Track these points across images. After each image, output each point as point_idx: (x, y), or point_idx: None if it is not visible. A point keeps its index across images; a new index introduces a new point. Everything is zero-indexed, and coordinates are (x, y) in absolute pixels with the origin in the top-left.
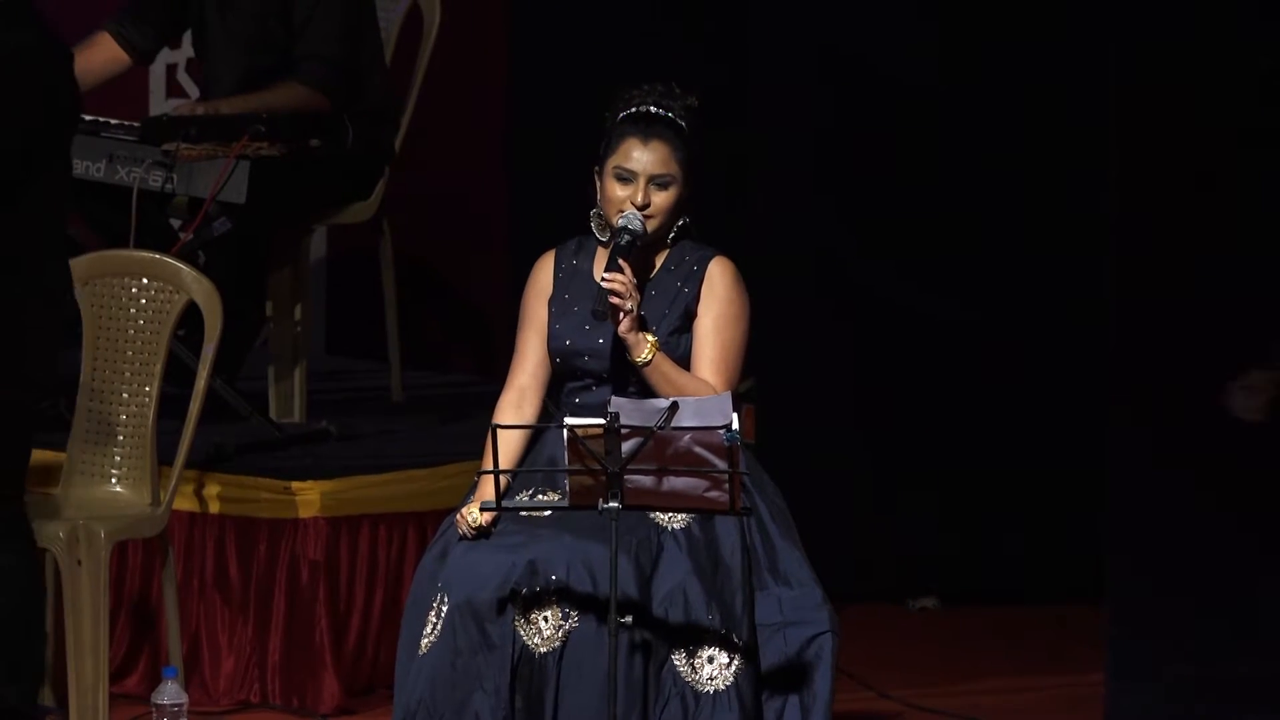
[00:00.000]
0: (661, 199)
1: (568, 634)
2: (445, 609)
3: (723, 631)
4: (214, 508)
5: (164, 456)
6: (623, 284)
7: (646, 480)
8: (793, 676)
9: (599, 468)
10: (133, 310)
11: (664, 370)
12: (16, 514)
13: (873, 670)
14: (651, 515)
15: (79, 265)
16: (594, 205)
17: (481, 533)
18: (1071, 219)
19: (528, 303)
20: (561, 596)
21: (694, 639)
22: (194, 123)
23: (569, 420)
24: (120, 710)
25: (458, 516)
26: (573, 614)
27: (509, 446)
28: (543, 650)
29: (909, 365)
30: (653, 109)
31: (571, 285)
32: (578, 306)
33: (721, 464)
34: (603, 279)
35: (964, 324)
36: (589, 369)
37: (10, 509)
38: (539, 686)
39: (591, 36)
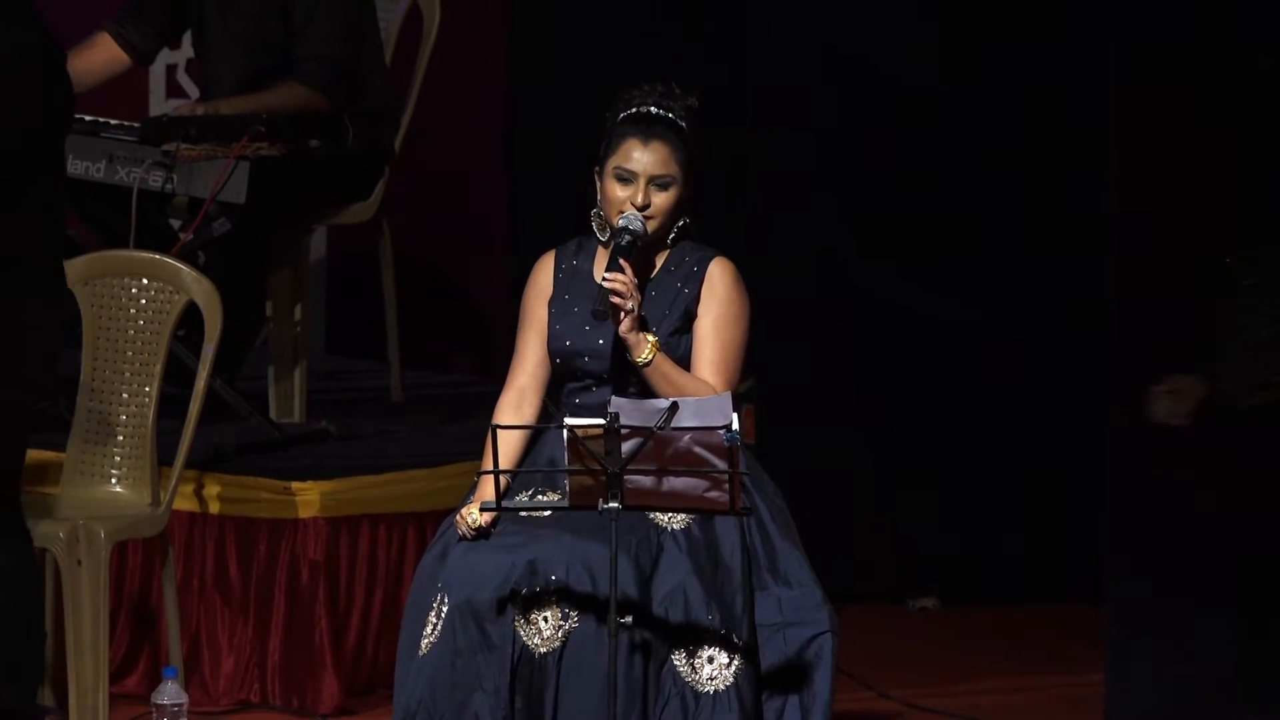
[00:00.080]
0: (662, 200)
1: (568, 634)
2: (445, 609)
3: (723, 632)
4: (214, 508)
5: (164, 456)
6: (623, 284)
7: (646, 480)
8: (793, 677)
9: (599, 468)
10: (133, 310)
11: (664, 371)
12: (14, 513)
13: (873, 670)
14: (651, 515)
15: (79, 265)
16: (594, 205)
17: (481, 533)
18: (1071, 219)
19: (527, 303)
20: (561, 597)
21: (694, 639)
22: (194, 123)
23: (569, 420)
24: (120, 710)
25: (457, 517)
26: (572, 614)
27: (509, 447)
28: (543, 650)
29: (909, 365)
30: (653, 109)
31: (572, 285)
32: (578, 307)
33: (721, 464)
34: (603, 279)
35: (964, 324)
36: (589, 369)
37: (8, 508)
38: (539, 687)
39: (591, 37)
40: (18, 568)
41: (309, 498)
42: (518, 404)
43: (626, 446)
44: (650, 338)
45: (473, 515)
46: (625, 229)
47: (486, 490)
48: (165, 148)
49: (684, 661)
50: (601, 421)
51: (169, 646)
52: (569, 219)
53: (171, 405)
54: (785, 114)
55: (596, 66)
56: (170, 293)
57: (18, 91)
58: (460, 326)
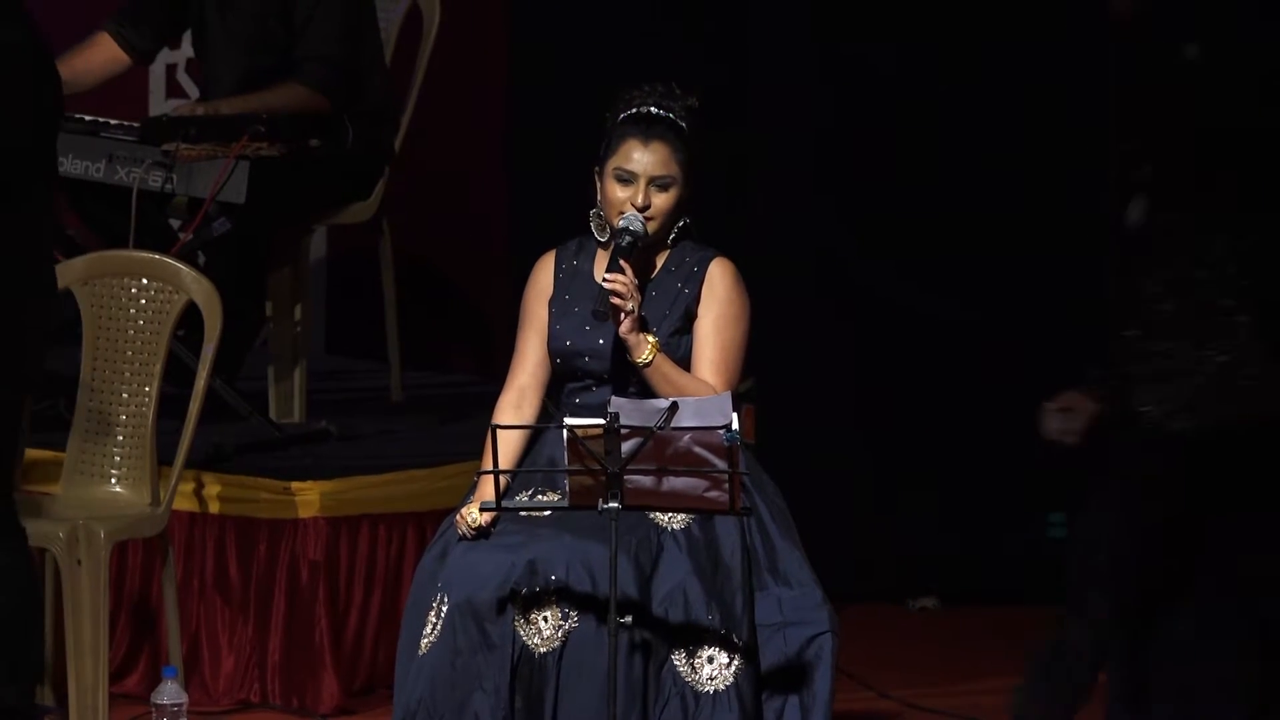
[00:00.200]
0: (662, 200)
1: (568, 634)
2: (445, 609)
3: (722, 631)
4: (214, 508)
5: (164, 456)
6: (624, 285)
7: (646, 480)
8: (793, 676)
9: (599, 468)
10: (133, 310)
11: (664, 371)
12: (9, 512)
13: (873, 670)
14: (651, 515)
15: (79, 265)
16: (594, 206)
17: (481, 533)
18: (1071, 219)
19: (528, 303)
20: (561, 596)
21: (694, 639)
22: (194, 123)
23: (569, 420)
24: (120, 710)
25: (457, 517)
26: (572, 614)
27: (508, 447)
28: (542, 650)
29: (909, 365)
30: (653, 110)
31: (572, 286)
32: (578, 307)
33: (721, 464)
34: (604, 280)
35: (964, 324)
36: (589, 369)
37: (3, 507)
38: (539, 686)
39: (591, 37)
40: (14, 567)
41: (309, 498)
42: (518, 404)
43: (626, 446)
44: (650, 338)
45: (472, 515)
46: (626, 230)
47: (486, 490)
48: (165, 147)
49: (684, 661)
50: (601, 421)
51: (169, 646)
52: (569, 219)
53: (171, 405)
54: (785, 114)
55: (596, 66)
56: (170, 292)
57: (6, 90)
58: (460, 326)
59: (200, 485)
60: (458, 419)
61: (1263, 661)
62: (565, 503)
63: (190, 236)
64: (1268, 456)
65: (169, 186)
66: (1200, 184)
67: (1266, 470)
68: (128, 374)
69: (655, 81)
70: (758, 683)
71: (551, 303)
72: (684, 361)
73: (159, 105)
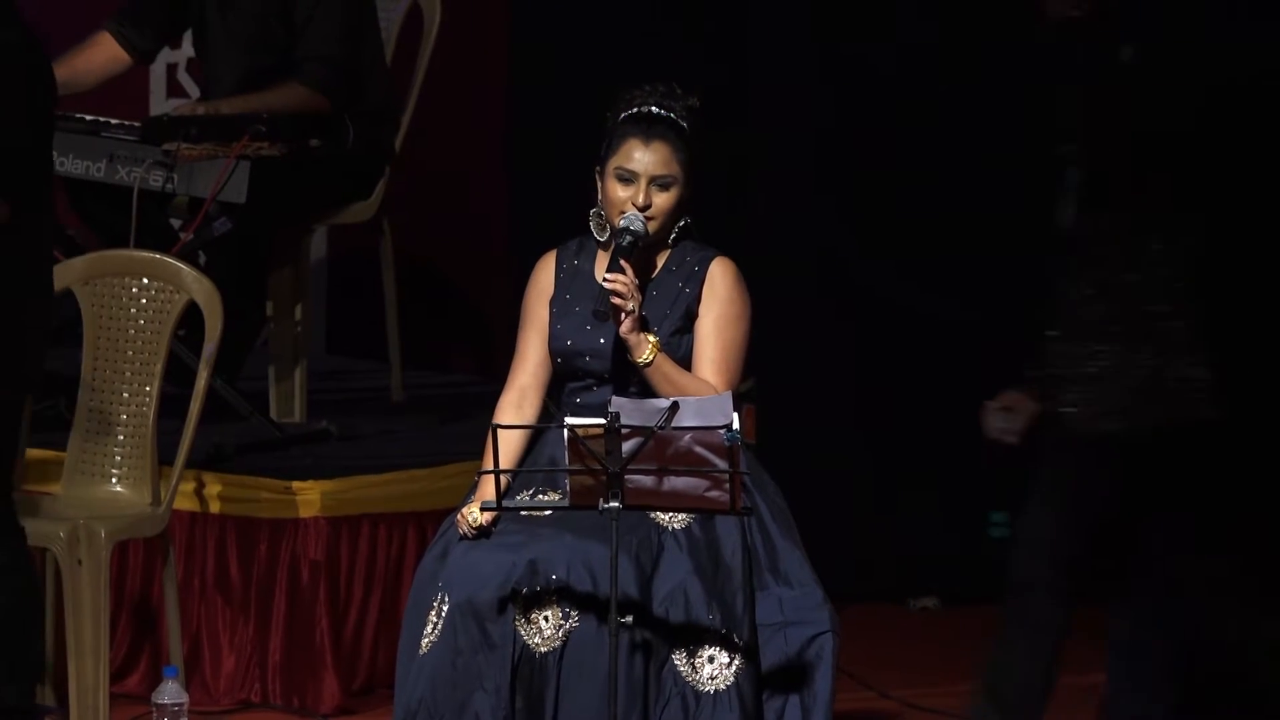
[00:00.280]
0: (663, 200)
1: (568, 634)
2: (446, 609)
3: (723, 631)
4: (214, 507)
5: (165, 456)
6: (624, 284)
7: (647, 480)
8: (793, 676)
9: (599, 467)
10: (133, 310)
11: (665, 371)
12: (10, 512)
13: (873, 670)
14: (652, 515)
15: (79, 265)
16: (594, 205)
17: (482, 532)
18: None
19: (528, 303)
20: (562, 596)
21: (694, 639)
22: (194, 123)
23: (569, 420)
24: (121, 710)
25: (458, 516)
26: (573, 614)
27: (509, 446)
28: (543, 650)
29: (909, 365)
30: (654, 110)
31: (573, 286)
32: (579, 307)
33: (722, 464)
34: (604, 279)
35: (964, 324)
36: (590, 369)
37: (2, 506)
38: (539, 686)
39: (592, 36)
40: (14, 566)
41: (309, 497)
42: (518, 403)
43: (627, 446)
44: (651, 338)
45: (473, 515)
46: (626, 229)
47: (487, 490)
48: (166, 147)
49: (684, 661)
50: (602, 421)
51: (169, 646)
52: (569, 219)
53: (172, 405)
54: (786, 114)
55: (597, 66)
56: (171, 292)
57: (4, 91)
58: (461, 326)
59: (201, 485)
60: (458, 419)
61: (1189, 661)
62: (566, 502)
63: (191, 236)
64: (1197, 458)
65: (170, 186)
66: (1134, 187)
67: (1195, 472)
68: (128, 374)
69: (656, 81)
70: (758, 683)
71: (552, 303)
72: (684, 361)
73: (160, 105)
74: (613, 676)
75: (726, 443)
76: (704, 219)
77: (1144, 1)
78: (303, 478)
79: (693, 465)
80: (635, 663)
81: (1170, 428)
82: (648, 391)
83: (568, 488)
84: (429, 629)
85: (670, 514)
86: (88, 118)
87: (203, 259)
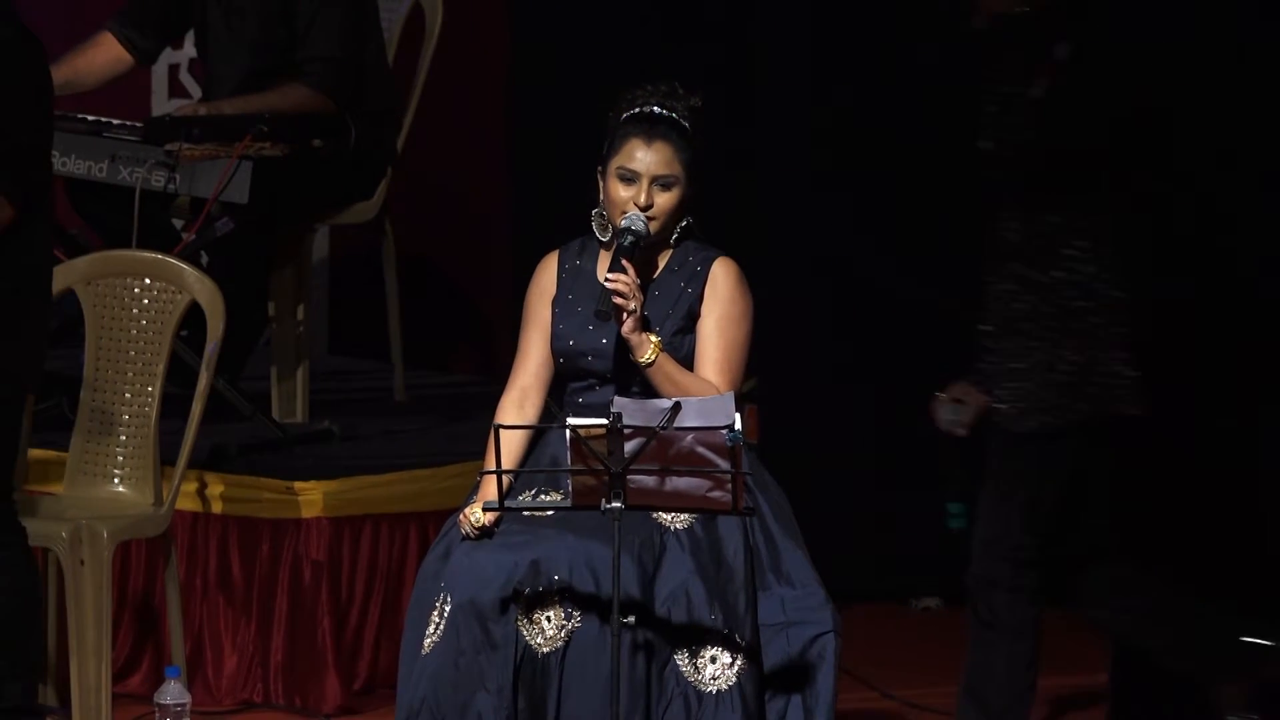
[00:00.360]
0: (665, 200)
1: (570, 634)
2: (448, 609)
3: (725, 631)
4: (217, 507)
5: (167, 456)
6: (626, 284)
7: (649, 480)
8: (795, 676)
9: (602, 468)
10: (135, 310)
11: (667, 370)
12: (10, 511)
13: (875, 670)
14: (654, 515)
15: (82, 265)
16: (596, 206)
17: (485, 532)
18: None
19: (530, 303)
20: (564, 596)
21: (697, 639)
22: (196, 123)
23: (572, 420)
24: (123, 710)
25: (460, 517)
26: (575, 614)
27: (511, 446)
28: (545, 650)
29: (912, 365)
30: (656, 109)
31: (575, 286)
32: (581, 307)
33: (724, 464)
34: (606, 279)
35: (966, 323)
36: (592, 369)
37: (4, 505)
38: (542, 686)
39: (593, 36)
40: (13, 562)
41: (312, 498)
42: (520, 403)
43: (629, 446)
44: (653, 338)
45: (475, 515)
46: (628, 229)
47: (489, 490)
48: (168, 147)
49: (687, 661)
50: (604, 422)
51: (172, 646)
52: (571, 219)
53: (174, 405)
54: (787, 113)
55: (599, 66)
56: (173, 293)
57: (25, 86)
58: (463, 326)
59: (203, 485)
60: (460, 419)
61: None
62: (568, 502)
63: (193, 236)
64: (1119, 454)
65: (172, 186)
66: (1059, 186)
67: (1117, 467)
68: (131, 374)
69: (658, 81)
70: (760, 683)
71: (554, 303)
72: (686, 361)
73: (162, 105)
74: (615, 677)
75: (729, 443)
76: (706, 219)
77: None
78: (305, 478)
79: (695, 465)
80: (637, 663)
81: (1092, 424)
82: (650, 392)
83: (570, 488)
84: (431, 629)
85: (672, 514)
86: (90, 118)
87: (205, 259)
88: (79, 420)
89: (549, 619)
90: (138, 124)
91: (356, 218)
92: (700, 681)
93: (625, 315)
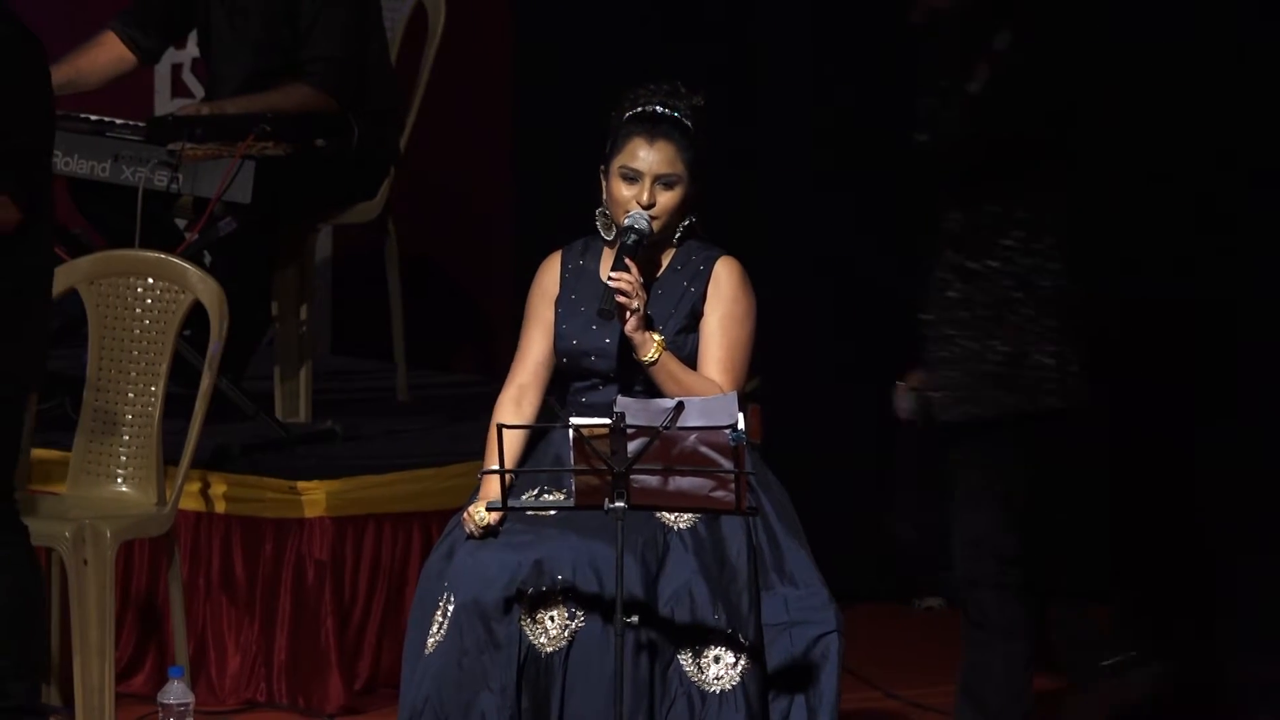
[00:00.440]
0: (667, 198)
1: (574, 634)
2: (451, 608)
3: (729, 631)
4: (220, 507)
5: (170, 456)
6: (629, 283)
7: (652, 480)
8: (799, 676)
9: (605, 468)
10: (138, 310)
11: (671, 369)
12: (11, 510)
13: (879, 670)
14: (658, 514)
15: (85, 265)
16: (600, 205)
17: (489, 531)
18: (1074, 218)
19: (532, 302)
20: (568, 596)
21: (700, 639)
22: (199, 123)
23: (575, 420)
24: (126, 710)
25: (464, 516)
26: (579, 614)
27: (510, 443)
28: (549, 650)
29: (913, 364)
30: (659, 109)
31: (578, 286)
32: (584, 307)
33: (727, 464)
34: (609, 278)
35: None
36: (595, 369)
37: (3, 504)
38: (545, 686)
39: (596, 36)
40: (15, 562)
41: (315, 497)
42: (518, 399)
43: (632, 446)
44: (656, 337)
45: (480, 514)
46: (631, 228)
47: (491, 489)
48: (171, 147)
49: (690, 661)
50: (607, 421)
51: (175, 646)
52: (575, 219)
53: (177, 405)
54: (789, 112)
55: (601, 66)
56: (176, 292)
57: (31, 83)
58: (466, 326)
59: (206, 485)
60: (463, 419)
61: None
62: (571, 502)
63: (196, 236)
64: (1046, 447)
65: (175, 186)
66: (998, 178)
67: (1045, 461)
68: (134, 374)
69: (660, 80)
70: (764, 682)
71: (557, 303)
72: (689, 360)
73: (164, 105)
74: (618, 676)
75: (732, 443)
76: (708, 218)
77: None
78: (308, 478)
79: (698, 465)
80: (641, 663)
81: (1020, 416)
82: (653, 391)
83: (573, 488)
84: (434, 629)
85: (675, 513)
86: (92, 118)
87: (208, 259)
88: (82, 420)
89: (552, 619)
90: (140, 124)
91: (359, 217)
92: (704, 681)
93: (628, 314)
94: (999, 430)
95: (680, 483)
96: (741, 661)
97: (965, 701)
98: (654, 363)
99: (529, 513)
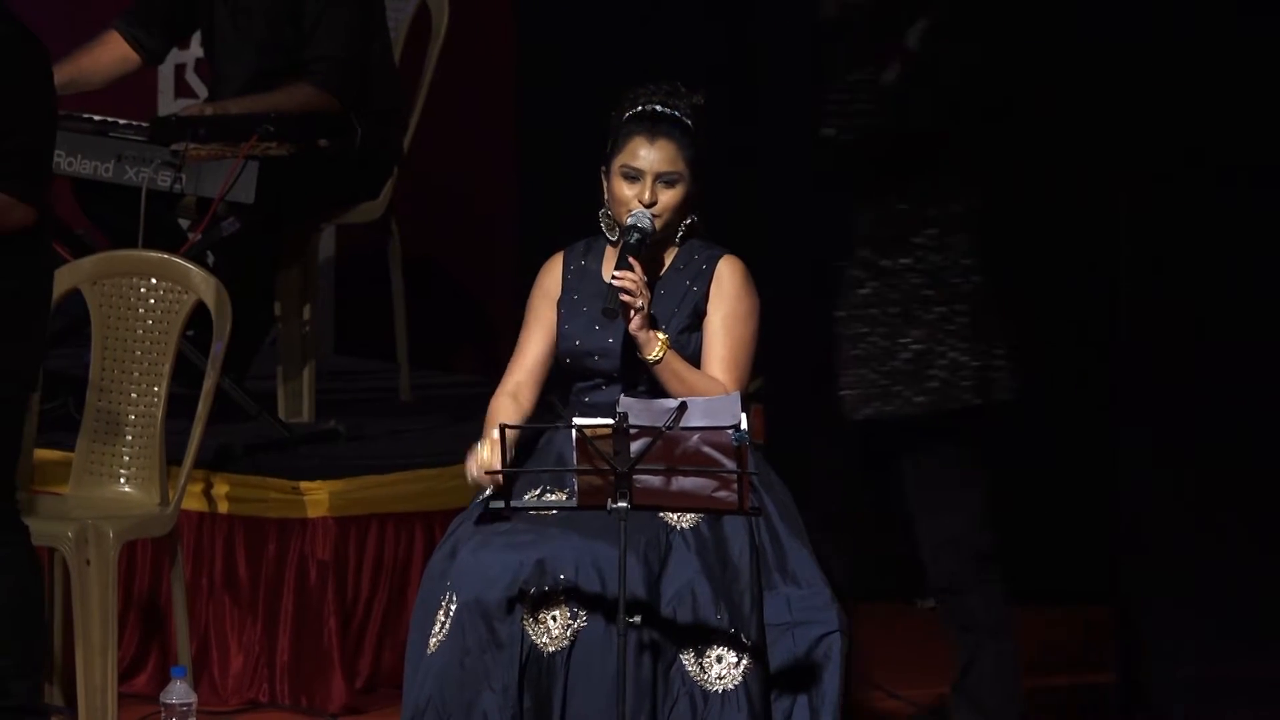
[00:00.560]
0: (669, 197)
1: (576, 633)
2: (454, 608)
3: (731, 631)
4: (223, 507)
5: (173, 456)
6: (633, 281)
7: (655, 480)
8: (801, 676)
9: (607, 468)
10: (142, 310)
11: (675, 368)
12: (12, 510)
13: (881, 670)
14: (660, 514)
15: (88, 265)
16: (603, 206)
17: (494, 483)
18: (1074, 218)
19: (533, 301)
20: (570, 596)
21: (702, 638)
22: (202, 123)
23: (578, 421)
24: (129, 710)
25: (468, 458)
26: (581, 613)
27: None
28: (551, 650)
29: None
30: (659, 108)
31: (581, 286)
32: (587, 306)
33: (730, 464)
34: (613, 277)
35: None
36: (599, 368)
37: (4, 503)
38: (547, 686)
39: (600, 37)
40: (16, 561)
41: (317, 497)
42: (514, 394)
43: (635, 446)
44: (660, 335)
45: (483, 454)
46: (634, 227)
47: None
48: (174, 147)
49: (692, 661)
50: (610, 422)
51: (178, 646)
52: (578, 219)
53: (180, 405)
54: (791, 111)
55: (605, 67)
56: (179, 292)
57: (35, 81)
58: (469, 326)
59: (209, 485)
60: (466, 419)
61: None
62: (574, 503)
63: (199, 236)
64: (956, 446)
65: (178, 186)
66: (907, 174)
67: (944, 461)
68: (137, 374)
69: (660, 80)
70: (766, 682)
71: (560, 303)
72: (693, 360)
73: (168, 105)
74: (621, 676)
75: (735, 443)
76: (711, 217)
77: None
78: (311, 478)
79: (701, 465)
80: (643, 662)
81: (930, 415)
82: (656, 390)
83: (575, 488)
84: (437, 628)
85: (678, 513)
86: (95, 118)
87: (211, 259)
88: (85, 420)
89: (555, 618)
90: (144, 124)
91: (362, 217)
92: (706, 681)
93: (633, 312)
94: (956, 428)
95: (683, 483)
96: (744, 661)
97: (962, 704)
98: (658, 361)
99: (531, 512)
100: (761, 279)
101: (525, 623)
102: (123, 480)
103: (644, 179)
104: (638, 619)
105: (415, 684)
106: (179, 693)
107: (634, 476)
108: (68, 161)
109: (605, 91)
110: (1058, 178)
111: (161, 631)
